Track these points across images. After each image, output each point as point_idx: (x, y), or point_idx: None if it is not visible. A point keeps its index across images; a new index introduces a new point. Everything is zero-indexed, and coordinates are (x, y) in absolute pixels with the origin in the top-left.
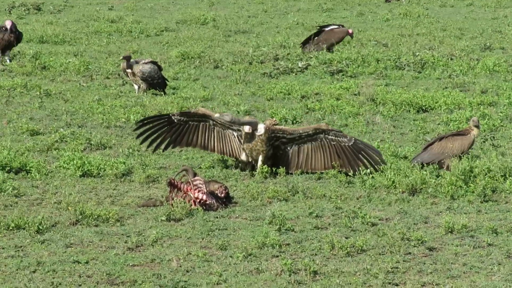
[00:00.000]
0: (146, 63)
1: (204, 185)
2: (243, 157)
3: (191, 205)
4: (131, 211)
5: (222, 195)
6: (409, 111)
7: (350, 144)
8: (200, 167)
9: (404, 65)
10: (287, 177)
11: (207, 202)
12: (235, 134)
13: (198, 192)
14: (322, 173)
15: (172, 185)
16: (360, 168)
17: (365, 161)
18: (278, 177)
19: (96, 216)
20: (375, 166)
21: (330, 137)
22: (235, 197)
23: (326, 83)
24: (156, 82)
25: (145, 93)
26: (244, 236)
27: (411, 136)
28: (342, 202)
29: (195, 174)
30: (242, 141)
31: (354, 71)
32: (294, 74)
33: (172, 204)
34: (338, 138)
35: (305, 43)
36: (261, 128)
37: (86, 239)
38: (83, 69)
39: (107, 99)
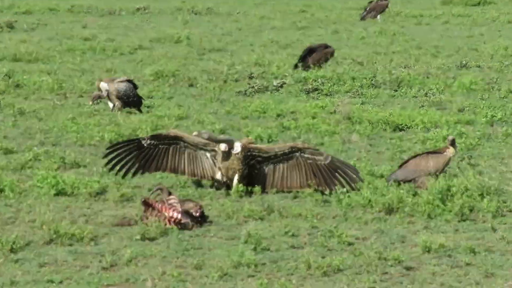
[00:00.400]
0: (121, 82)
1: (179, 204)
2: (218, 176)
3: (165, 224)
4: (106, 230)
5: (197, 214)
6: (386, 129)
7: (326, 162)
8: (174, 186)
9: (380, 83)
10: (263, 196)
11: (182, 221)
12: (208, 154)
13: (173, 211)
14: (298, 191)
15: (146, 204)
16: (336, 186)
17: (341, 179)
18: (254, 196)
19: (70, 235)
20: (352, 185)
21: (306, 155)
22: (210, 216)
23: (301, 102)
24: (131, 100)
25: (120, 112)
26: (220, 256)
27: (387, 155)
28: (318, 221)
29: (169, 193)
30: (215, 161)
31: (330, 89)
32: (269, 92)
33: (146, 223)
34: (314, 157)
35: (299, 62)
36: (237, 147)
37: (60, 259)
38: (56, 87)
39: (81, 117)
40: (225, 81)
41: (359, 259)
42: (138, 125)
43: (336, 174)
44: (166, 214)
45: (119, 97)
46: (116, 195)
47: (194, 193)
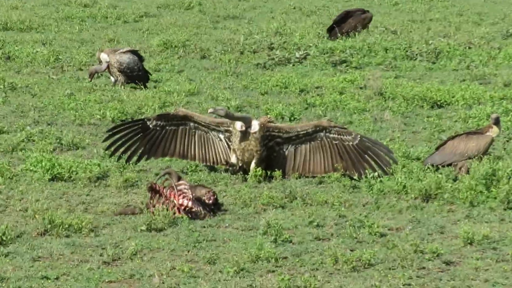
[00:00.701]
0: (124, 53)
1: (189, 190)
2: (233, 159)
3: (174, 212)
4: (107, 220)
5: (210, 201)
6: (422, 106)
7: (355, 142)
8: (185, 170)
9: (416, 54)
10: (284, 181)
11: (193, 210)
12: (221, 136)
13: (183, 198)
14: (323, 176)
15: (153, 190)
16: (367, 170)
17: (372, 162)
18: (274, 181)
19: (67, 226)
20: (385, 168)
21: (331, 135)
22: (225, 203)
23: (327, 75)
24: (136, 74)
25: (123, 87)
26: (236, 249)
27: (424, 135)
28: (346, 210)
29: (179, 178)
30: (230, 143)
31: (360, 61)
32: (291, 65)
33: (153, 212)
34: (341, 137)
35: (330, 30)
36: (255, 125)
37: (56, 252)
38: (52, 59)
39: (80, 93)
40: (241, 53)
41: (392, 252)
42: (144, 101)
43: (366, 156)
44: (175, 201)
45: (121, 71)
46: (118, 180)
47: (206, 178)
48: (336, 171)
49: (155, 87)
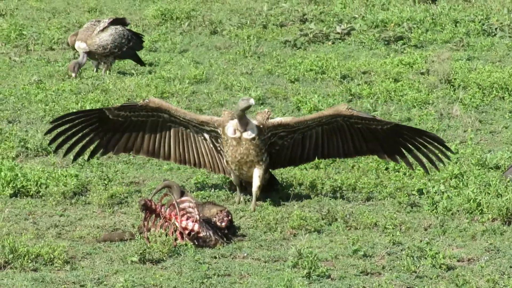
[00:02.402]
0: (102, 31)
1: (196, 209)
2: (232, 178)
3: (176, 238)
4: (87, 249)
5: (223, 224)
6: (503, 98)
7: (385, 127)
8: (190, 182)
9: (496, 29)
10: (320, 197)
11: (201, 235)
12: (206, 136)
13: (187, 219)
14: (371, 191)
15: (148, 209)
16: (405, 157)
17: (412, 148)
18: (305, 197)
19: (34, 256)
20: (435, 156)
21: (352, 120)
22: (242, 227)
23: (378, 57)
24: (126, 49)
25: (107, 72)
26: (257, 286)
27: (506, 136)
28: (402, 235)
29: (182, 193)
30: (218, 144)
31: (421, 38)
32: (330, 42)
33: (148, 238)
34: (366, 122)
35: None
36: (252, 128)
37: None
38: (14, 35)
39: (51, 80)
40: (264, 26)
41: None
42: (135, 91)
43: (402, 140)
44: (177, 223)
45: (107, 54)
46: (102, 195)
47: (218, 194)
48: (362, 154)
49: (150, 72)
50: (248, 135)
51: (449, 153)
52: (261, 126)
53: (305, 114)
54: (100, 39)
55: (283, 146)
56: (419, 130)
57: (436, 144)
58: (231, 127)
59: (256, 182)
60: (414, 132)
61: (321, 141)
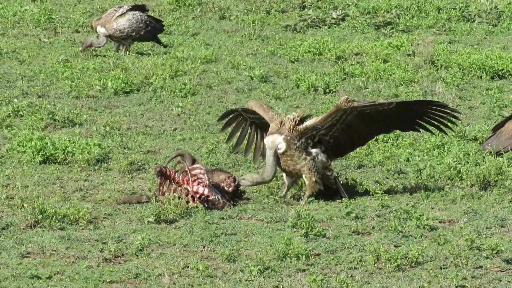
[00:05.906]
0: (121, 16)
1: (206, 175)
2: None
3: (188, 201)
4: (108, 210)
5: (230, 188)
6: (481, 77)
7: (391, 106)
8: (200, 151)
9: (474, 15)
10: None
11: (210, 198)
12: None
13: (198, 184)
14: (362, 160)
15: (163, 175)
16: (422, 126)
17: (423, 116)
18: None
19: (61, 216)
20: (444, 119)
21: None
22: (247, 191)
23: (370, 40)
24: (144, 33)
25: (127, 53)
26: (260, 244)
27: (483, 111)
28: (390, 199)
29: (194, 161)
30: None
31: (407, 23)
32: (326, 27)
33: (162, 201)
34: (371, 107)
35: None
36: (280, 143)
37: (48, 247)
38: (44, 19)
39: (77, 60)
40: (268, 12)
41: (444, 248)
42: (152, 70)
43: (413, 113)
44: (189, 188)
45: (125, 38)
46: (122, 163)
47: (226, 161)
48: (384, 132)
49: (165, 53)
50: (279, 150)
51: (456, 114)
52: (288, 137)
53: (303, 91)
54: (117, 24)
55: (335, 137)
56: (425, 101)
57: (443, 109)
58: (269, 143)
59: (307, 192)
60: (421, 104)
61: (343, 134)
